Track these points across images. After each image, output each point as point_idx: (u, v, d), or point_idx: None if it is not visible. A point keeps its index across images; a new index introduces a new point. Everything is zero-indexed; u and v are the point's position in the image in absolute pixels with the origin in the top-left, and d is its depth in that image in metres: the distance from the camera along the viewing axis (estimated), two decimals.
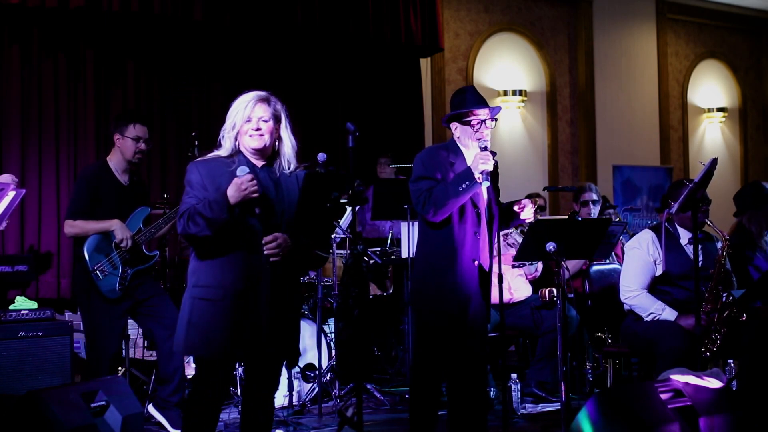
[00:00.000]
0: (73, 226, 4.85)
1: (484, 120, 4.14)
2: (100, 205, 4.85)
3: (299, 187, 3.56)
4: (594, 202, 6.56)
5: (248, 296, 3.40)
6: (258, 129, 3.46)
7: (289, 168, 3.55)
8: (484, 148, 4.02)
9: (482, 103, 4.18)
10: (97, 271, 4.76)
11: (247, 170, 3.38)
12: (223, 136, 3.52)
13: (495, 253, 4.26)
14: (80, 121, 6.53)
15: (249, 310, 3.40)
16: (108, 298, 4.79)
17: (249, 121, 3.46)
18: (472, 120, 4.14)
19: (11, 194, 4.70)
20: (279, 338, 3.47)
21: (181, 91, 6.99)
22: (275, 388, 3.68)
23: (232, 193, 3.32)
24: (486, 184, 4.00)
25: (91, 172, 4.97)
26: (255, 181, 3.34)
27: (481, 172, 3.96)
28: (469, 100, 4.17)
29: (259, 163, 3.51)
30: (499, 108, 4.39)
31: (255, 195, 3.35)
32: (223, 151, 3.51)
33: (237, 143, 3.50)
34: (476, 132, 4.13)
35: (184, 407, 3.57)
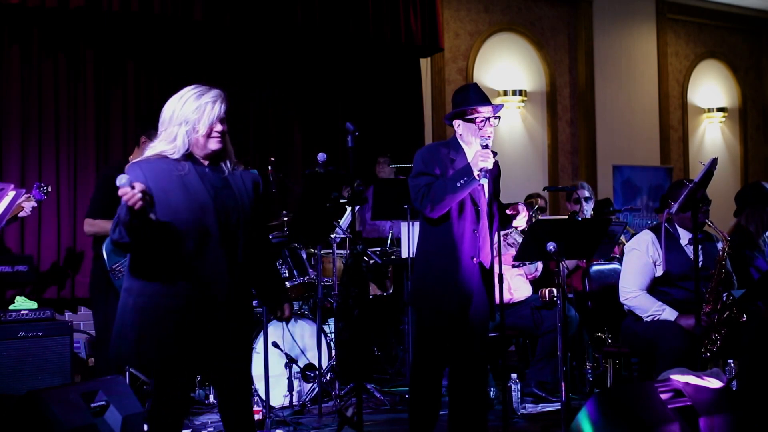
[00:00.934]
0: (92, 225, 4.88)
1: (488, 118, 4.12)
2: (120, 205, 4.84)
3: (246, 187, 3.32)
4: (587, 199, 6.58)
5: (203, 304, 3.15)
6: (220, 131, 3.21)
7: (230, 166, 3.31)
8: (485, 146, 4.01)
9: (486, 101, 4.15)
10: (116, 271, 4.78)
11: (126, 177, 2.97)
12: (174, 136, 3.19)
13: (495, 252, 4.26)
14: (80, 121, 6.53)
15: (205, 319, 3.15)
16: None
17: (214, 123, 3.19)
18: (476, 117, 4.12)
19: (11, 194, 4.72)
20: (236, 348, 3.26)
21: None
22: (250, 390, 3.49)
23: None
24: (485, 181, 3.99)
25: (113, 172, 4.96)
26: (134, 191, 2.94)
27: (481, 170, 3.94)
28: (472, 98, 4.15)
29: (205, 163, 3.27)
30: (502, 105, 4.38)
31: (137, 206, 2.94)
32: (175, 152, 3.20)
33: (190, 143, 3.21)
34: (480, 129, 4.11)
35: (150, 414, 3.29)
